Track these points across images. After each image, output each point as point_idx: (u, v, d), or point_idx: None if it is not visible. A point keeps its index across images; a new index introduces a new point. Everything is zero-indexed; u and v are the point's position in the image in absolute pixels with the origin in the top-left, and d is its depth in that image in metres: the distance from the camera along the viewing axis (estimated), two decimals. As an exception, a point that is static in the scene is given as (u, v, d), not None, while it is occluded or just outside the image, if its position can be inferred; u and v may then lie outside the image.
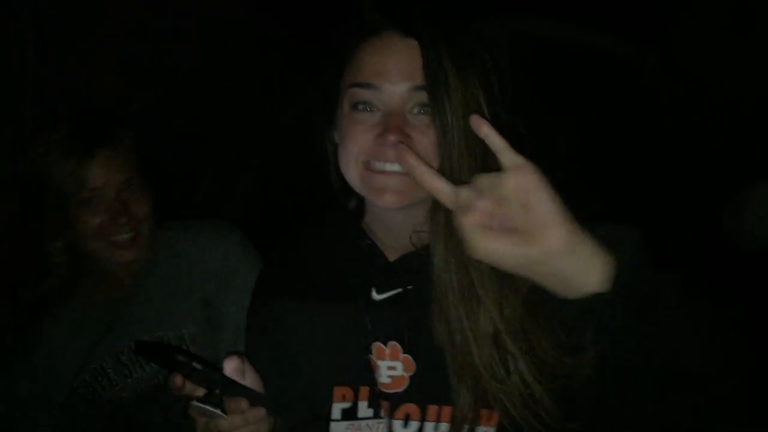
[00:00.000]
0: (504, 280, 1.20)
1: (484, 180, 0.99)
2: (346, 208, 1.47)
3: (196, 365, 1.15)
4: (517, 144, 1.01)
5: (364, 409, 1.37)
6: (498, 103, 1.27)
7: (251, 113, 2.96)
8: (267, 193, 3.12)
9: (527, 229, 0.95)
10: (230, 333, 1.77)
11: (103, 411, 1.77)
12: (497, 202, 0.97)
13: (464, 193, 1.00)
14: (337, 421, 1.36)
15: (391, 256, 1.41)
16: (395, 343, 1.36)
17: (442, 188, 1.04)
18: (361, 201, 1.45)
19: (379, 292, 1.39)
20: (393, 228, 1.38)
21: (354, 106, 1.30)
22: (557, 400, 1.21)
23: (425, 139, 1.25)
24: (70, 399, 1.75)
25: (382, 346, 1.36)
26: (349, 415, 1.37)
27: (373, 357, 1.36)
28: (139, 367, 1.76)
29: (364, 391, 1.37)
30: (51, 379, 1.75)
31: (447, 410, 1.31)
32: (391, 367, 1.35)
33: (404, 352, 1.35)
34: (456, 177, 1.19)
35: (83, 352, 1.76)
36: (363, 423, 1.36)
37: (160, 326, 1.78)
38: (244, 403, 1.20)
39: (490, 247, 0.96)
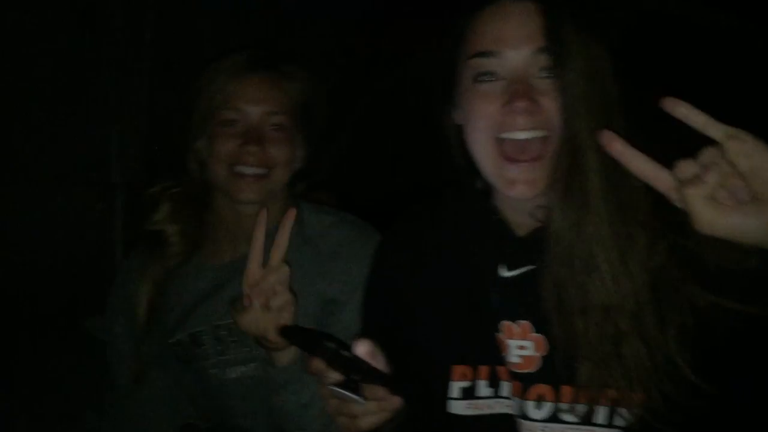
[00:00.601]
0: (630, 254, 1.16)
1: (706, 154, 0.94)
2: (473, 185, 1.42)
3: (345, 353, 1.14)
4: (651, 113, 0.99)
5: (483, 388, 1.33)
6: (619, 64, 1.22)
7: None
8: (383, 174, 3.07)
9: (760, 195, 0.91)
10: (340, 336, 1.67)
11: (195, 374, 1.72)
12: (723, 175, 0.93)
13: (689, 168, 0.95)
14: (457, 399, 1.33)
15: (520, 232, 1.35)
16: (526, 321, 1.30)
17: (654, 173, 1.00)
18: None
19: (509, 269, 1.33)
20: (521, 207, 1.33)
21: (476, 78, 1.26)
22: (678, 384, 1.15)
23: (553, 103, 1.20)
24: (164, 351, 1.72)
25: (512, 324, 1.31)
26: (469, 393, 1.33)
27: (501, 336, 1.31)
28: (235, 347, 1.69)
29: (484, 370, 1.33)
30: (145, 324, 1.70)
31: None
32: (522, 346, 1.30)
33: (536, 331, 1.30)
34: (579, 140, 1.16)
35: (184, 310, 1.72)
36: (482, 402, 1.33)
37: None
38: (382, 391, 1.18)
39: (724, 220, 0.93)
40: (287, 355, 1.51)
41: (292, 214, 1.49)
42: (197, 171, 1.74)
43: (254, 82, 1.67)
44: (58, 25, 2.25)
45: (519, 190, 1.25)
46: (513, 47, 1.23)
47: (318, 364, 1.17)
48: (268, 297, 1.44)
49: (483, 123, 1.26)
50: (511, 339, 1.31)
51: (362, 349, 1.16)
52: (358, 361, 1.14)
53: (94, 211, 2.32)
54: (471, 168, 1.36)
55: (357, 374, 1.15)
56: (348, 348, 1.14)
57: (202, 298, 1.71)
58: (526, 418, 1.29)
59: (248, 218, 1.68)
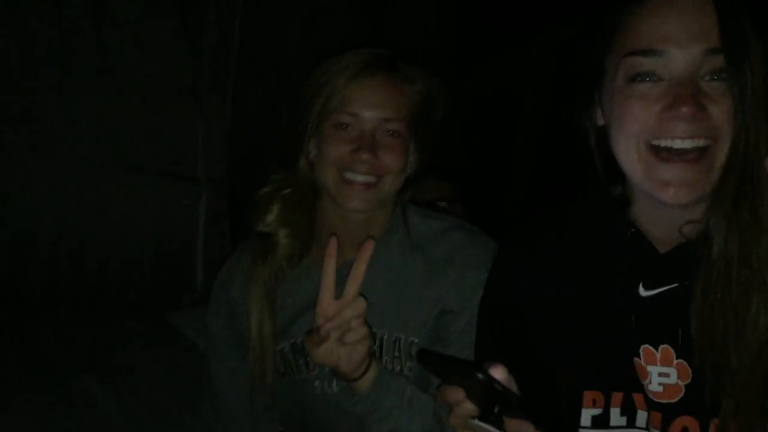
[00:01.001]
0: None
1: None
2: (609, 193, 1.32)
3: (497, 386, 1.03)
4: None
5: (616, 416, 1.24)
6: None
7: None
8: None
9: None
10: (455, 347, 1.57)
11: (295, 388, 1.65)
12: None
13: None
14: (587, 428, 1.24)
15: (661, 248, 1.24)
16: (668, 346, 1.20)
17: None
18: (626, 188, 1.29)
19: (647, 287, 1.23)
20: (666, 219, 1.22)
21: (632, 78, 1.15)
22: None
23: (721, 109, 1.09)
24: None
25: (652, 349, 1.21)
26: (600, 422, 1.24)
27: (641, 361, 1.21)
28: None
29: (617, 396, 1.23)
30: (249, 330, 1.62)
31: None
32: (664, 373, 1.20)
33: (678, 358, 1.19)
34: (753, 152, 1.06)
35: (290, 317, 1.64)
36: None
37: (377, 323, 1.58)
38: (527, 426, 1.07)
39: None
40: (365, 383, 1.45)
41: (370, 245, 1.42)
42: (308, 172, 1.66)
43: (372, 86, 1.57)
44: (153, 18, 2.23)
45: (673, 193, 1.13)
46: (680, 46, 1.11)
47: (455, 393, 1.07)
48: (343, 331, 1.37)
49: (637, 127, 1.15)
50: (653, 365, 1.21)
51: (499, 374, 1.06)
52: (507, 393, 1.04)
53: (179, 207, 2.28)
54: (610, 173, 1.26)
55: (501, 406, 1.06)
56: (490, 377, 1.04)
57: (306, 307, 1.63)
58: None
59: (356, 225, 1.63)
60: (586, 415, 1.24)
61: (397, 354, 1.59)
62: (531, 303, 1.35)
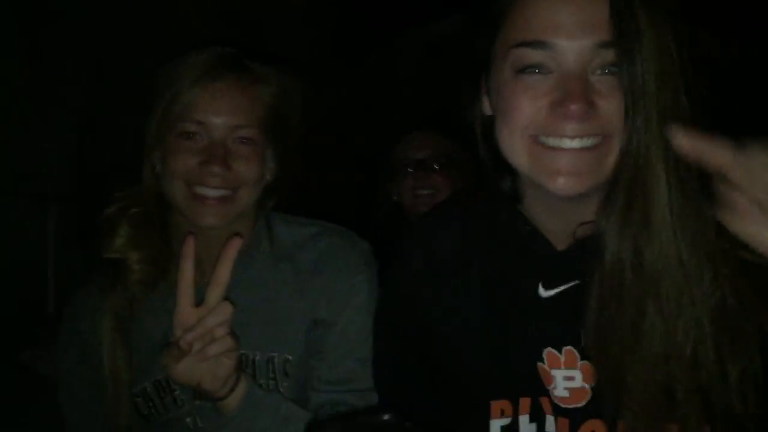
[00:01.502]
0: (694, 293, 1.00)
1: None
2: (498, 189, 1.24)
3: (408, 425, 0.94)
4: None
5: (525, 424, 1.17)
6: (691, 57, 1.03)
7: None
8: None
9: None
10: (330, 357, 1.47)
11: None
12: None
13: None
14: None
15: (559, 245, 1.18)
16: (571, 348, 1.14)
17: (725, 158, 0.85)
18: (516, 181, 1.22)
19: (546, 287, 1.17)
20: (560, 214, 1.15)
21: (520, 70, 1.06)
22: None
23: (611, 105, 1.02)
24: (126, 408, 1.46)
25: (556, 352, 1.15)
26: (510, 431, 1.18)
27: (545, 366, 1.15)
28: None
29: (525, 403, 1.17)
30: (103, 370, 1.44)
31: None
32: (569, 377, 1.14)
33: (583, 359, 1.13)
34: (644, 147, 0.99)
35: (149, 352, 1.45)
36: None
37: (248, 344, 1.43)
38: None
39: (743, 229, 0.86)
40: (233, 402, 1.32)
41: (235, 242, 1.29)
42: (153, 186, 1.48)
43: (219, 90, 1.41)
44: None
45: (563, 182, 1.05)
46: (570, 38, 1.03)
47: None
48: (205, 342, 1.23)
49: (524, 121, 1.07)
50: (557, 369, 1.15)
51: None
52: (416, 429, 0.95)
53: (25, 226, 2.07)
54: (498, 166, 1.18)
55: None
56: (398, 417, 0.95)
57: (167, 339, 1.43)
58: None
59: (215, 240, 1.43)
60: (495, 427, 1.17)
61: (272, 375, 1.46)
62: (431, 311, 1.26)
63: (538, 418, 1.17)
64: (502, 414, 1.17)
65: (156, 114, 1.43)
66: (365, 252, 1.53)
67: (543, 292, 1.18)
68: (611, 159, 1.05)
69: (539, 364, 1.16)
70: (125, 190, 1.50)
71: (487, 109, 1.19)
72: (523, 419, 1.17)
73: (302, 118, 1.58)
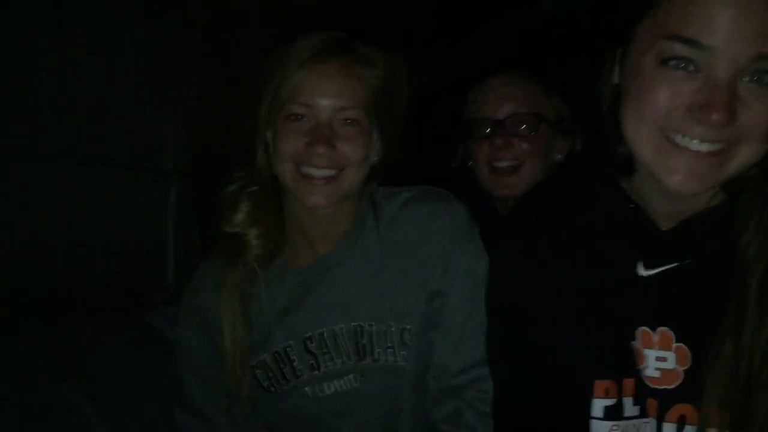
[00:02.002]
0: None
1: None
2: (602, 162, 1.24)
3: None
4: None
5: (629, 406, 1.18)
6: None
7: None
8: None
9: None
10: (449, 331, 1.51)
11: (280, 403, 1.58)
12: None
13: None
14: (599, 419, 1.18)
15: (663, 225, 1.17)
16: (666, 329, 1.14)
17: None
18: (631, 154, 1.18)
19: (647, 266, 1.17)
20: (672, 198, 1.14)
21: (664, 61, 1.04)
22: None
23: (753, 114, 1.01)
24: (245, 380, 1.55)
25: (650, 332, 1.15)
26: (614, 413, 1.18)
27: (637, 344, 1.16)
28: (329, 359, 1.52)
29: (629, 384, 1.18)
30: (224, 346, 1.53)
31: None
32: (661, 357, 1.14)
33: (678, 341, 1.13)
34: None
35: (267, 326, 1.55)
36: (629, 423, 1.17)
37: (362, 316, 1.51)
38: None
39: None
40: None
41: None
42: (267, 167, 1.56)
43: (325, 72, 1.46)
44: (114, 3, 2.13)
45: (680, 181, 1.05)
46: (729, 44, 0.99)
47: None
48: None
49: (656, 114, 1.06)
50: (649, 348, 1.15)
51: None
52: None
53: (147, 202, 2.19)
54: (617, 132, 1.16)
55: None
56: None
57: (285, 311, 1.55)
58: None
59: (324, 219, 1.53)
60: (599, 406, 1.19)
61: (389, 344, 1.52)
62: (532, 292, 1.29)
63: (642, 401, 1.17)
64: (607, 394, 1.18)
65: (265, 97, 1.50)
66: (466, 215, 1.55)
67: (643, 271, 1.18)
68: (733, 164, 1.05)
69: (632, 342, 1.17)
70: (243, 169, 1.59)
71: (616, 77, 1.18)
72: (628, 401, 1.18)
73: (406, 99, 1.60)
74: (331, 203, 1.49)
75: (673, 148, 1.06)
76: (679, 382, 1.14)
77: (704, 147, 1.04)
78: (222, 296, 1.53)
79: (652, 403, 1.16)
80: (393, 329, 1.51)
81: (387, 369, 1.51)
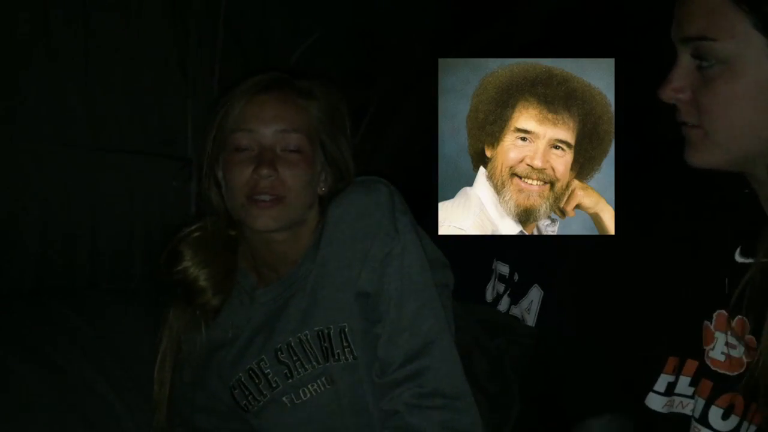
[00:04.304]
0: None
1: None
2: None
3: None
4: None
5: (684, 385, 1.18)
6: None
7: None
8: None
9: None
10: (385, 325, 1.53)
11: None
12: None
13: None
14: (659, 394, 1.19)
15: None
16: (744, 318, 1.12)
17: None
18: None
19: (744, 254, 1.14)
20: None
21: None
22: None
23: None
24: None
25: (727, 316, 1.14)
26: (670, 389, 1.19)
27: (710, 326, 1.16)
28: (300, 366, 1.57)
29: (691, 365, 1.18)
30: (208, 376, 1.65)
31: None
32: (732, 344, 1.14)
33: (751, 333, 1.12)
34: None
35: (237, 347, 1.63)
36: (677, 399, 1.18)
37: (322, 320, 1.57)
38: None
39: None
40: None
41: None
42: (221, 203, 1.64)
43: (266, 100, 1.55)
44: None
45: None
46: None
47: None
48: None
49: None
50: (721, 332, 1.15)
51: None
52: None
53: (169, 189, 2.20)
54: None
55: None
56: None
57: (258, 329, 1.63)
58: (706, 425, 1.14)
59: (279, 244, 1.60)
60: (663, 381, 1.20)
61: (346, 344, 1.57)
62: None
63: (697, 381, 1.17)
64: (674, 370, 1.19)
65: (210, 133, 1.59)
66: (388, 203, 1.56)
67: (739, 258, 1.15)
68: None
69: (706, 322, 1.16)
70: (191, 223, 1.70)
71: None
72: (684, 380, 1.19)
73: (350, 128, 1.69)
74: (280, 226, 1.54)
75: None
76: (740, 371, 1.13)
77: None
78: (162, 332, 1.65)
79: (706, 385, 1.16)
80: (346, 329, 1.56)
81: (346, 367, 1.56)
